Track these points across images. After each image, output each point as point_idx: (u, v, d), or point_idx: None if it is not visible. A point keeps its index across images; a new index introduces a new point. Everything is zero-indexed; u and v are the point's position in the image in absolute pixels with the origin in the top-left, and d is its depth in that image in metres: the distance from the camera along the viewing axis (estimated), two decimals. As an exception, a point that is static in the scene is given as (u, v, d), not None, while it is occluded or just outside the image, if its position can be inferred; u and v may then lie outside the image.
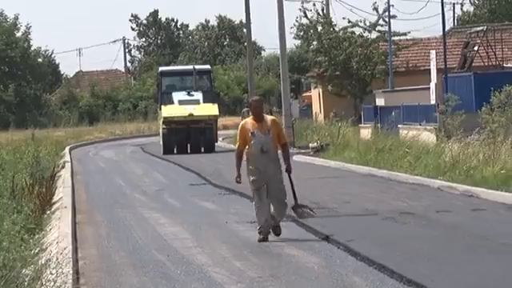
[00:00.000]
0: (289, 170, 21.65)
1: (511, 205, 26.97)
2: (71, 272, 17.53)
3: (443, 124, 45.13)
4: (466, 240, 21.89)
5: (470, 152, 37.16)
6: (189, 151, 58.10)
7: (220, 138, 65.49)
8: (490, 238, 21.61)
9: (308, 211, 22.46)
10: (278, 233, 21.51)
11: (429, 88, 56.05)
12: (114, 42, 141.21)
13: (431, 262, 18.23)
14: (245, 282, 17.61)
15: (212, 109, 61.89)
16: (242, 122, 22.48)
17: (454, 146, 39.26)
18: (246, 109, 58.68)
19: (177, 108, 61.42)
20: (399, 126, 55.05)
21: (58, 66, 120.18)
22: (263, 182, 21.25)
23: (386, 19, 75.95)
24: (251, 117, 22.09)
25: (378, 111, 63.07)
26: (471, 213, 26.62)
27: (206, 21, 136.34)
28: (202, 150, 58.89)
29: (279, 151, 22.87)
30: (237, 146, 22.08)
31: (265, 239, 20.97)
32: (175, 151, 58.19)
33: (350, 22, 75.57)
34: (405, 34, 76.94)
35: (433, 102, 52.14)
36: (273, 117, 23.67)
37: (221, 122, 67.29)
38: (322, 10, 77.28)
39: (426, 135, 47.20)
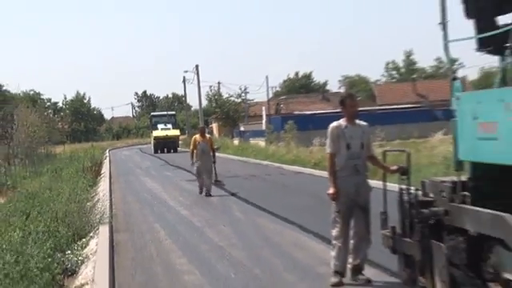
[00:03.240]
0: (215, 162, 20.83)
1: (297, 172, 26.99)
2: (109, 204, 17.87)
3: (269, 138, 46.62)
4: (278, 187, 22.09)
5: (280, 149, 37.76)
6: (165, 152, 56.76)
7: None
8: (287, 186, 22.07)
9: (222, 183, 22.34)
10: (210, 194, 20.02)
11: (262, 123, 57.09)
12: (127, 104, 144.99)
13: (265, 197, 18.52)
14: (183, 205, 18.12)
15: (176, 132, 60.33)
16: (194, 136, 21.40)
17: (273, 146, 40.16)
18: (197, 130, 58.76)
19: (160, 132, 59.37)
20: (250, 139, 55.01)
21: (103, 114, 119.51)
22: (202, 168, 20.11)
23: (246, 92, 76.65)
24: (199, 134, 21.20)
25: (241, 132, 63.62)
26: (280, 175, 26.49)
27: (167, 95, 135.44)
28: (172, 151, 57.52)
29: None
30: (191, 148, 20.77)
31: (205, 195, 19.70)
32: (159, 152, 56.68)
33: (229, 94, 75.44)
34: (252, 100, 77.71)
35: (264, 128, 53.36)
36: (209, 135, 23.70)
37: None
38: (218, 89, 77.42)
39: (261, 143, 48.06)
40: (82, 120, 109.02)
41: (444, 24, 7.41)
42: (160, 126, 61.27)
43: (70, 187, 19.96)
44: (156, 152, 56.74)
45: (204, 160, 20.28)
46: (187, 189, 22.91)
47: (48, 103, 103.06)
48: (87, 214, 14.64)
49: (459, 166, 7.35)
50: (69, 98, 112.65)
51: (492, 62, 7.50)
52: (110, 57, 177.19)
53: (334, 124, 8.39)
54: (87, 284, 8.90)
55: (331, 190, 8.26)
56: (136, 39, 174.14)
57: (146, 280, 9.39)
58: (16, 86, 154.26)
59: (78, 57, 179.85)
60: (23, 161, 37.53)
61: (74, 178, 24.73)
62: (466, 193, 7.15)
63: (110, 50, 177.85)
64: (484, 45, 7.11)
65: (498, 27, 6.86)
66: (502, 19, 6.93)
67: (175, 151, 57.88)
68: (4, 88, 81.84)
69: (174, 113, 73.50)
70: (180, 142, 63.45)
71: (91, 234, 12.99)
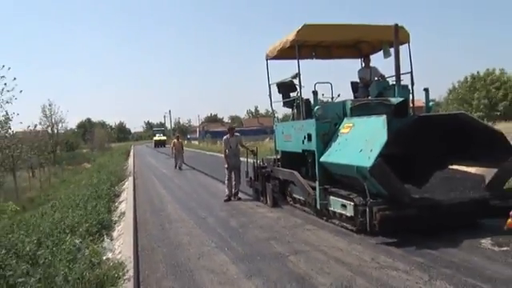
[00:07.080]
0: (183, 153, 15.57)
1: (211, 155, 21.80)
2: (132, 167, 16.66)
3: (199, 140, 42.95)
4: (203, 161, 17.93)
5: (204, 145, 32.68)
6: (159, 147, 47.36)
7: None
8: (207, 161, 17.88)
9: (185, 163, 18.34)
10: (181, 168, 14.85)
11: (197, 134, 51.37)
12: (141, 125, 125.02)
13: (199, 165, 15.17)
14: (165, 169, 15.60)
15: (164, 137, 50.71)
16: (173, 140, 16.09)
17: (201, 144, 36.06)
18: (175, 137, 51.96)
19: (157, 137, 49.96)
20: (192, 141, 48.26)
21: (130, 130, 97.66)
22: (176, 156, 15.26)
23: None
24: (176, 139, 16.50)
25: (188, 138, 55.86)
26: (204, 156, 21.58)
27: (157, 122, 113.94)
28: (163, 147, 46.02)
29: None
30: (171, 146, 16.08)
31: (179, 169, 14.76)
32: (157, 147, 46.81)
33: (183, 122, 66.86)
34: (193, 124, 69.64)
35: (197, 136, 48.94)
36: (180, 140, 16.12)
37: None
38: (179, 120, 69.16)
39: (196, 142, 42.37)
40: (122, 133, 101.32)
41: (270, 96, 7.43)
42: (157, 135, 53.79)
43: (117, 160, 19.25)
44: (155, 147, 49.31)
45: (178, 152, 15.54)
46: (168, 162, 18.77)
47: (108, 126, 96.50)
48: (124, 171, 14.80)
49: (276, 152, 7.44)
50: (117, 123, 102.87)
51: (288, 111, 7.39)
52: (131, 101, 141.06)
53: (225, 137, 8.40)
54: (124, 201, 8.43)
55: (226, 165, 8.16)
56: (141, 91, 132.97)
57: (148, 198, 8.90)
58: (95, 117, 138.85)
59: (120, 97, 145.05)
60: (98, 150, 39.66)
61: (119, 157, 23.52)
62: (279, 163, 7.24)
63: (131, 98, 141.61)
64: (285, 104, 7.21)
65: (290, 97, 6.94)
66: (292, 95, 6.97)
67: (164, 147, 50.75)
68: (91, 119, 79.77)
69: (163, 128, 66.06)
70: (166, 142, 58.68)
71: (125, 180, 12.38)
